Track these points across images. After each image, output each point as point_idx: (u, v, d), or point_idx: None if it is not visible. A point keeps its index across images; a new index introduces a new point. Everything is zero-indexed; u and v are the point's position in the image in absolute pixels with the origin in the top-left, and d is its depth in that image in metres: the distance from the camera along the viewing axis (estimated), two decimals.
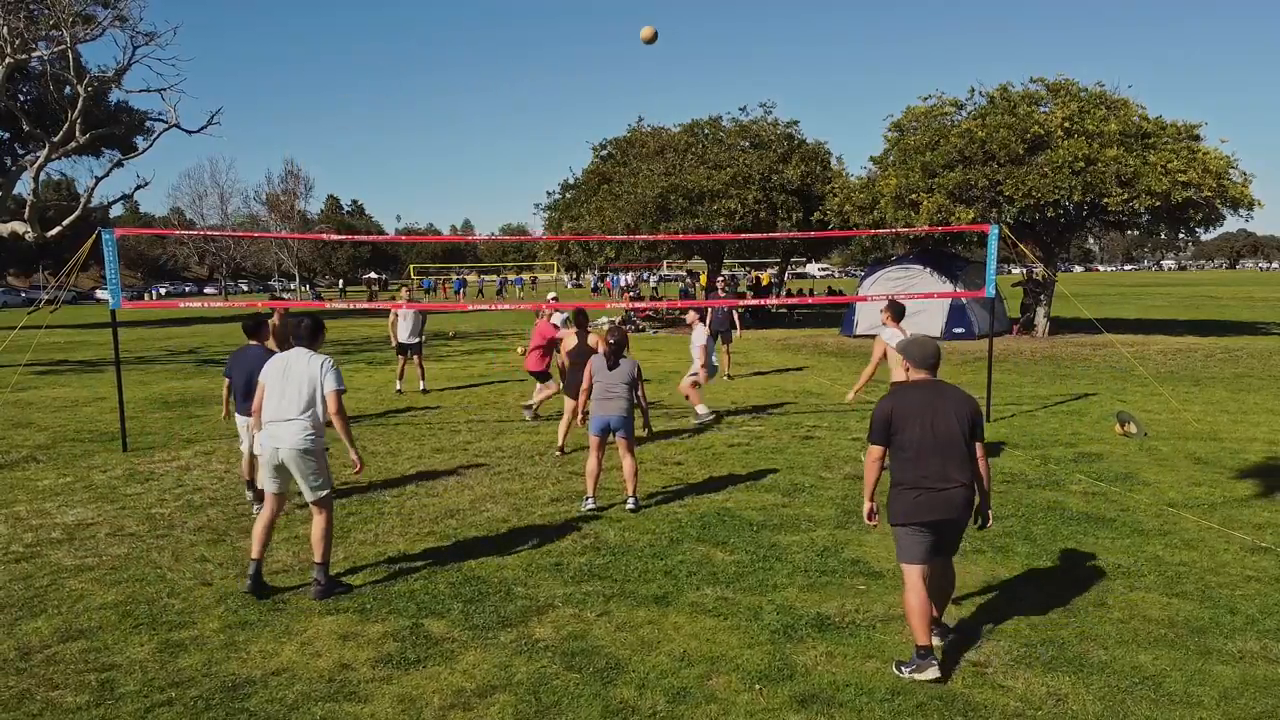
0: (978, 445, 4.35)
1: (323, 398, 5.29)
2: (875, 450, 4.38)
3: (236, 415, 7.29)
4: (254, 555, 5.34)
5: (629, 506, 7.00)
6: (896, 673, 4.23)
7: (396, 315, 13.80)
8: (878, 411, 4.39)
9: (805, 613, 4.96)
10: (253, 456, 7.02)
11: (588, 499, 7.08)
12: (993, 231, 10.48)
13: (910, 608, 4.20)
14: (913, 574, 4.24)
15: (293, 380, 5.27)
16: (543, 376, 11.13)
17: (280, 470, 5.28)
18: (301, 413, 5.21)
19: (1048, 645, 4.52)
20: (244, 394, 7.05)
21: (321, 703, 4.05)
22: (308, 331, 5.46)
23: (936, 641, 4.41)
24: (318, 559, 5.31)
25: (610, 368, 7.02)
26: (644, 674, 4.27)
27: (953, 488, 4.21)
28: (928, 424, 4.26)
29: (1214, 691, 4.03)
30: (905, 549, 4.29)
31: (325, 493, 5.32)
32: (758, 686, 4.13)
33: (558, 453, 9.11)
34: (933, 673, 4.13)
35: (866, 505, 4.48)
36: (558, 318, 14.30)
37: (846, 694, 4.04)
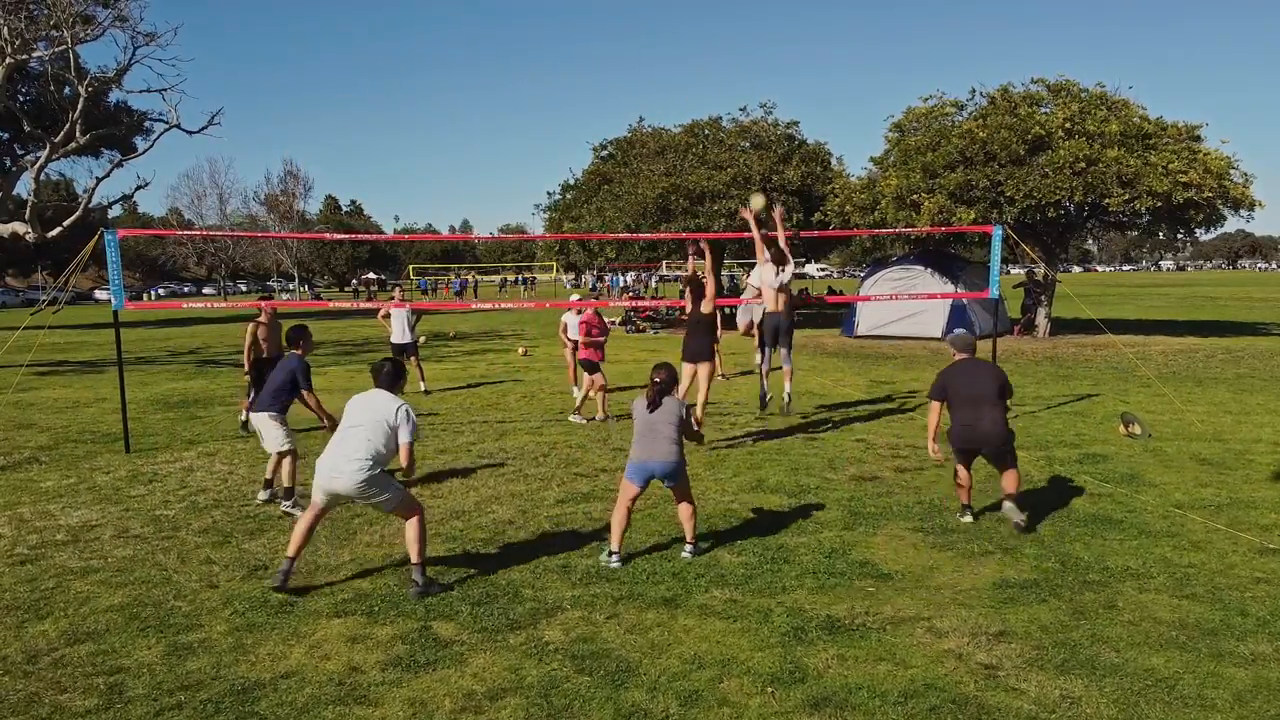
0: (1006, 401, 6.53)
1: (395, 444, 5.39)
2: (934, 404, 6.66)
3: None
4: (289, 553, 5.44)
5: (686, 554, 5.93)
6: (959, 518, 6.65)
7: (389, 312, 13.82)
8: (937, 379, 6.66)
9: (815, 615, 4.95)
10: (279, 455, 7.10)
11: (611, 555, 5.83)
12: (996, 232, 10.47)
13: (959, 483, 6.70)
14: (960, 469, 6.64)
15: (367, 419, 5.37)
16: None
17: (332, 495, 5.36)
18: (365, 452, 5.26)
19: (1059, 647, 4.51)
20: (270, 392, 7.13)
21: (332, 706, 4.03)
22: (388, 378, 5.57)
23: (1009, 506, 6.40)
24: (413, 559, 5.36)
25: (649, 410, 5.87)
26: (655, 677, 4.26)
27: (984, 423, 6.36)
28: (967, 385, 6.48)
29: (1228, 694, 4.02)
30: (956, 456, 6.67)
31: (398, 503, 5.37)
32: (770, 690, 4.12)
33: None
34: (968, 518, 6.64)
35: (930, 445, 6.70)
36: (574, 317, 14.28)
37: (859, 697, 4.03)
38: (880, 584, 5.41)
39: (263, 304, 10.74)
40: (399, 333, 13.72)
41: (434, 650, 4.58)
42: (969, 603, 5.10)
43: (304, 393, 7.11)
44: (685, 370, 9.33)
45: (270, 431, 7.11)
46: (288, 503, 7.04)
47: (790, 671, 4.29)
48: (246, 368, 10.46)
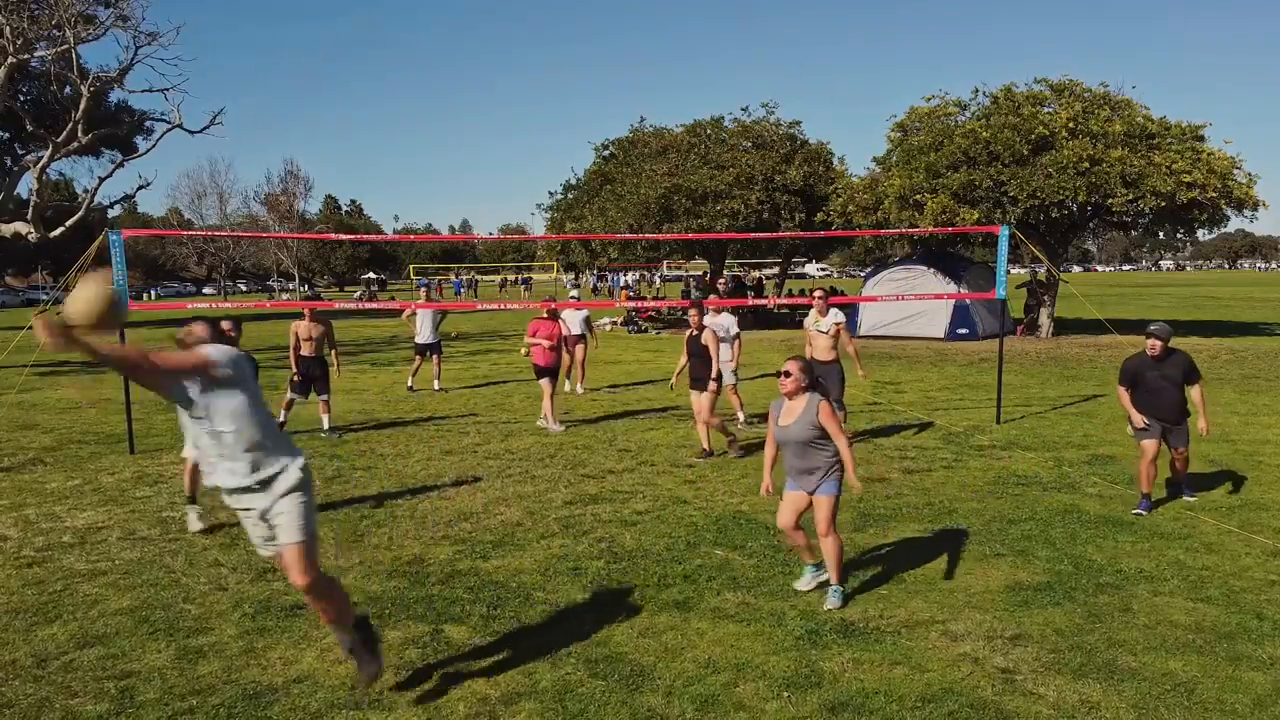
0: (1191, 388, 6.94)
1: None
2: (1123, 391, 7.04)
3: None
4: None
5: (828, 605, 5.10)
6: (1136, 513, 6.80)
7: (414, 311, 14.16)
8: (1124, 366, 7.05)
9: (829, 618, 4.91)
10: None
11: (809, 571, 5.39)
12: (1003, 233, 10.44)
13: (1140, 470, 6.93)
14: (1148, 448, 6.88)
15: None
16: None
17: None
18: None
19: (1076, 651, 4.48)
20: None
21: (345, 711, 4.00)
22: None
23: (1189, 498, 7.16)
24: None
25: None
26: (670, 681, 4.23)
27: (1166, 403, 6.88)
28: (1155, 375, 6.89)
29: (1247, 699, 3.99)
30: (1141, 431, 6.91)
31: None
32: (786, 694, 4.09)
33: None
34: (1145, 507, 6.84)
35: (1135, 417, 6.94)
36: (573, 315, 14.26)
37: (876, 701, 4.00)
38: (893, 587, 5.38)
39: (305, 305, 10.85)
40: (424, 332, 13.98)
41: (446, 654, 4.55)
42: (983, 606, 5.07)
43: None
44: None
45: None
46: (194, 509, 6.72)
47: (806, 675, 4.26)
48: (294, 367, 10.54)
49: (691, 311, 9.34)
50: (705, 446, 8.96)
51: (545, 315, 10.92)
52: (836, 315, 9.42)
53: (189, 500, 6.77)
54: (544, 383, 10.67)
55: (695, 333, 9.15)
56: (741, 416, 10.77)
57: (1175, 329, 6.91)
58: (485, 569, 5.79)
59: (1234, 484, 7.69)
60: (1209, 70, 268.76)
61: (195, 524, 6.66)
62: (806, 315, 9.70)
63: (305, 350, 10.44)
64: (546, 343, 10.67)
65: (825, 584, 5.22)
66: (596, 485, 7.95)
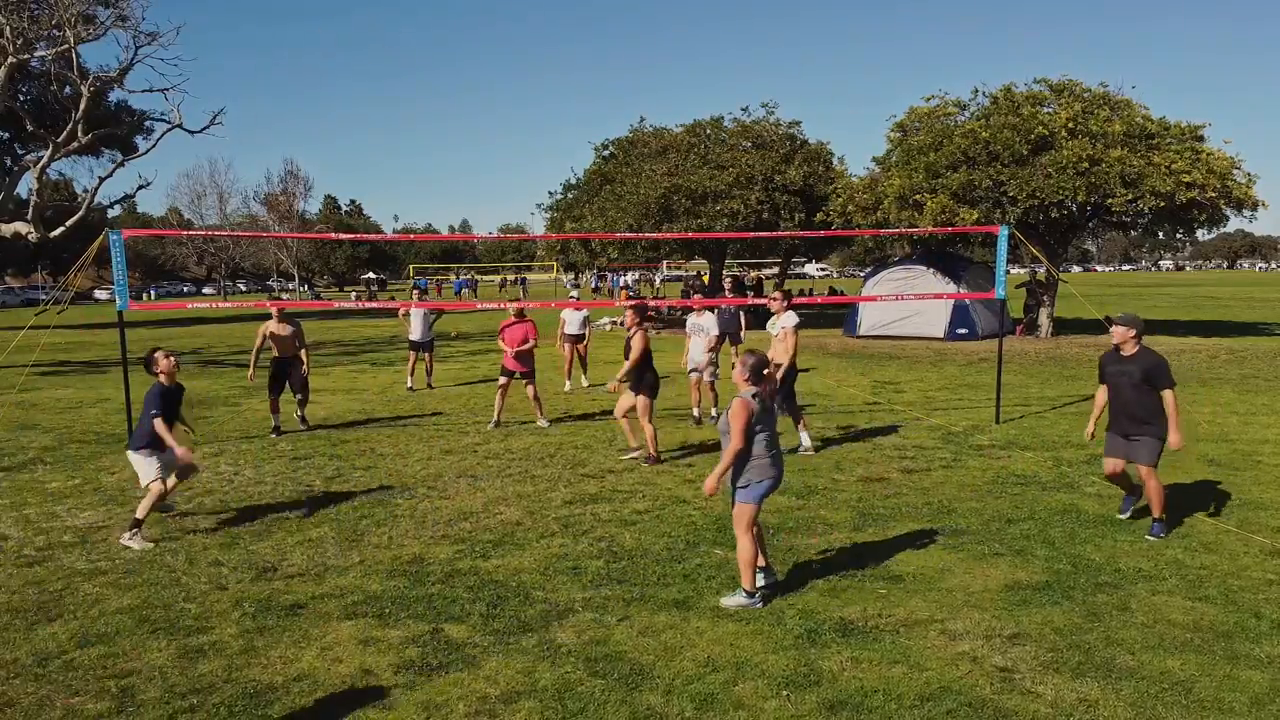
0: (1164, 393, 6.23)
1: None
2: (1100, 391, 6.60)
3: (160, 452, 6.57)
4: None
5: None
6: (1120, 517, 6.64)
7: (409, 311, 14.56)
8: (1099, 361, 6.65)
9: (828, 617, 4.93)
10: (147, 486, 6.50)
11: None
12: (1002, 233, 10.45)
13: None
14: (1107, 464, 6.50)
15: None
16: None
17: None
18: None
19: (1074, 650, 4.49)
20: (140, 426, 6.60)
21: (345, 709, 4.01)
22: None
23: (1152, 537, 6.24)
24: None
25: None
26: (669, 680, 4.24)
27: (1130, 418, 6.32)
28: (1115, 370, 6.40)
29: (1245, 698, 4.00)
30: (1107, 447, 6.50)
31: None
32: (785, 693, 4.10)
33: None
34: (1127, 506, 6.71)
35: (1089, 426, 6.76)
36: (573, 315, 14.49)
37: (875, 700, 4.01)
38: (891, 586, 5.39)
39: (271, 304, 10.88)
40: (416, 330, 14.29)
41: (446, 653, 4.56)
42: (982, 605, 5.09)
43: (154, 420, 6.44)
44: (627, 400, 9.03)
45: (137, 468, 6.57)
46: (129, 533, 6.38)
47: (805, 674, 4.27)
48: (251, 366, 10.80)
49: (628, 314, 9.22)
50: (651, 450, 8.77)
51: (512, 317, 10.81)
52: (786, 319, 9.10)
53: (134, 525, 6.41)
54: (502, 379, 10.79)
55: (629, 335, 9.05)
56: (696, 413, 10.95)
57: (1175, 329, 6.87)
58: (485, 568, 5.80)
59: (1233, 484, 7.69)
60: (1209, 70, 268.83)
61: (134, 543, 6.35)
62: (806, 314, 9.68)
63: (278, 351, 10.53)
64: (510, 350, 10.67)
65: (773, 585, 5.37)
66: (596, 485, 7.96)
